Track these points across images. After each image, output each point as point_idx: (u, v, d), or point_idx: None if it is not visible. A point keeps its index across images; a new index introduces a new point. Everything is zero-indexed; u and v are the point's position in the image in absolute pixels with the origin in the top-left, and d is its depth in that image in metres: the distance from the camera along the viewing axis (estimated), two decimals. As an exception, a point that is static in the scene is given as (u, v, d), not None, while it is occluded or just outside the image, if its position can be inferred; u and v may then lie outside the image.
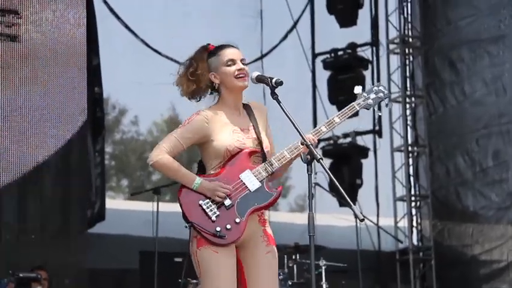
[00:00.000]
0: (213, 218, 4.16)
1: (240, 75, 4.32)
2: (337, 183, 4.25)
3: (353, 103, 4.49)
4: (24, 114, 9.09)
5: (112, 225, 10.17)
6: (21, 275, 7.76)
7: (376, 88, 4.57)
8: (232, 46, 4.41)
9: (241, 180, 4.23)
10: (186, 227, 4.19)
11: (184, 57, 4.53)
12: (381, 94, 4.55)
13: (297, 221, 10.72)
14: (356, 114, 4.34)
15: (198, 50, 4.43)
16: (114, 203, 12.88)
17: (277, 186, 4.32)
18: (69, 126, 9.33)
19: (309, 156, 4.13)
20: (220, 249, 4.14)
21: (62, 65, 9.35)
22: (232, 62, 4.33)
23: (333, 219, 11.14)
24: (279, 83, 4.25)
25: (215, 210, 4.17)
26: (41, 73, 9.25)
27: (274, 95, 4.26)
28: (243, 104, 4.44)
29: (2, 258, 8.63)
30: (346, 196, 4.11)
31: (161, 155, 4.25)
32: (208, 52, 4.40)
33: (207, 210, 4.17)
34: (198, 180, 4.20)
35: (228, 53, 4.35)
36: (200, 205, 4.17)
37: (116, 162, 15.93)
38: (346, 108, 4.44)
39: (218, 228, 4.13)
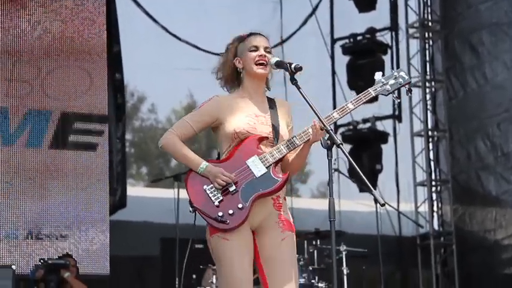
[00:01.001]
0: (216, 203, 4.15)
1: (260, 62, 4.32)
2: (357, 168, 4.24)
3: (369, 89, 4.41)
4: (43, 101, 9.17)
5: (133, 212, 10.22)
6: (50, 261, 7.86)
7: (396, 74, 4.47)
8: (261, 34, 4.42)
9: (248, 166, 4.21)
10: (190, 211, 4.20)
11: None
12: (401, 80, 4.45)
13: (318, 207, 10.71)
14: (376, 99, 4.31)
15: (233, 39, 4.46)
16: (134, 190, 12.93)
17: (284, 172, 4.29)
18: (91, 113, 9.39)
19: (329, 142, 4.11)
20: (232, 236, 4.13)
21: (82, 53, 9.40)
22: (256, 48, 4.35)
23: (355, 205, 11.13)
24: (298, 69, 4.24)
25: (219, 195, 4.17)
26: (62, 61, 9.31)
27: (293, 80, 4.25)
28: (268, 98, 4.43)
29: (28, 246, 8.74)
30: (366, 181, 4.10)
31: (170, 137, 4.28)
32: (240, 40, 4.42)
33: (211, 195, 4.16)
34: (203, 164, 4.20)
35: (253, 40, 4.37)
36: (204, 190, 4.18)
37: (135, 150, 15.99)
38: (361, 94, 4.39)
39: (220, 213, 4.13)
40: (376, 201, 4.14)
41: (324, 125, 4.14)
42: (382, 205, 4.17)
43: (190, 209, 4.18)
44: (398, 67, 4.50)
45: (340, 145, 4.09)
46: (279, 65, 4.32)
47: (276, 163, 4.25)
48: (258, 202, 4.20)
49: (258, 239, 4.24)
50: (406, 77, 4.51)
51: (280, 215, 4.29)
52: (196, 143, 11.70)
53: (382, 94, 4.47)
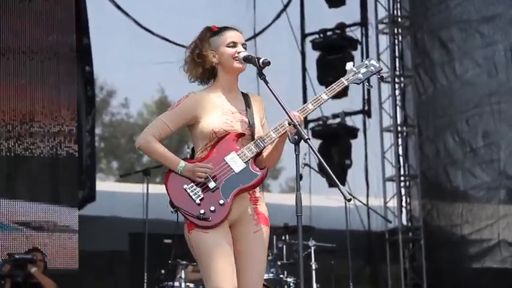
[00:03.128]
0: (197, 201, 4.15)
1: (238, 58, 4.31)
2: (324, 163, 4.25)
3: (341, 78, 4.43)
4: (15, 92, 9.09)
5: (102, 207, 10.19)
6: (16, 256, 7.80)
7: (367, 62, 4.51)
8: (236, 29, 4.40)
9: (226, 162, 4.22)
10: (172, 212, 4.20)
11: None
12: (372, 68, 4.48)
13: (288, 202, 10.70)
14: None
15: (201, 31, 4.41)
16: (104, 185, 12.88)
17: (263, 166, 4.30)
18: (61, 105, 9.32)
19: (296, 137, 4.12)
20: (213, 230, 4.14)
21: (52, 44, 9.33)
22: (234, 44, 4.32)
23: (326, 200, 11.16)
24: (266, 63, 4.23)
25: (199, 193, 4.17)
26: (30, 51, 9.24)
27: (261, 75, 4.24)
28: (242, 93, 4.43)
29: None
30: (333, 176, 4.12)
31: (146, 138, 4.26)
32: (211, 32, 4.39)
33: (191, 194, 4.16)
34: (182, 163, 4.20)
35: (231, 35, 4.35)
36: (185, 189, 4.18)
37: (105, 144, 15.92)
38: (334, 84, 4.41)
39: (202, 211, 4.13)
40: (344, 196, 4.16)
41: (291, 119, 4.14)
42: (349, 200, 4.19)
43: (172, 209, 4.18)
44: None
45: (308, 140, 4.10)
46: (247, 59, 4.31)
47: (255, 158, 4.26)
48: (237, 197, 4.21)
49: (232, 231, 4.25)
50: (377, 65, 4.53)
51: (256, 208, 4.31)
52: (166, 137, 11.66)
53: (355, 83, 4.49)
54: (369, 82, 4.61)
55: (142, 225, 8.08)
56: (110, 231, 9.78)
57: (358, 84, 4.51)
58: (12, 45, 9.15)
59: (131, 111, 16.21)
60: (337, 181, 4.09)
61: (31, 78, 9.26)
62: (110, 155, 16.50)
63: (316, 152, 4.26)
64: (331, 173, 4.16)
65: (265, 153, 4.32)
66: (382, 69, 4.57)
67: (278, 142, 4.29)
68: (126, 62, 10.82)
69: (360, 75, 4.45)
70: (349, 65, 4.49)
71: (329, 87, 4.40)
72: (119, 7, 10.51)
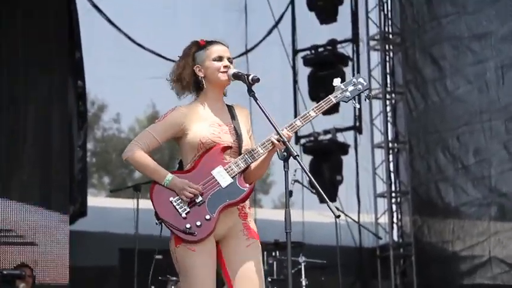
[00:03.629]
0: (183, 214, 4.15)
1: (225, 72, 4.33)
2: (312, 179, 4.27)
3: (330, 96, 4.44)
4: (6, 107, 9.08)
5: (94, 222, 10.16)
6: (5, 272, 7.76)
7: (355, 80, 4.51)
8: (222, 44, 4.42)
9: (213, 177, 4.22)
10: (156, 223, 4.19)
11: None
12: (360, 86, 4.48)
13: (280, 218, 10.68)
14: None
15: (188, 45, 4.45)
16: (96, 200, 12.86)
17: (249, 182, 4.31)
18: (52, 120, 9.32)
19: (285, 153, 4.13)
20: (198, 246, 4.13)
21: (43, 59, 9.34)
22: (220, 58, 4.35)
23: (318, 216, 11.16)
24: (256, 80, 4.24)
25: (185, 207, 4.16)
26: (22, 66, 9.24)
27: (250, 92, 4.25)
28: (227, 105, 4.44)
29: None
30: (322, 192, 4.13)
31: (134, 150, 4.26)
32: (198, 46, 4.41)
33: (177, 207, 4.16)
34: (169, 176, 4.20)
35: (217, 49, 4.37)
36: (171, 202, 4.18)
37: (97, 160, 15.92)
38: (322, 101, 4.42)
39: (188, 225, 4.12)
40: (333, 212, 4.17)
41: (280, 136, 4.16)
42: (338, 217, 4.19)
43: (157, 221, 4.17)
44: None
45: (297, 157, 4.11)
46: (237, 76, 4.33)
47: (241, 173, 4.27)
48: (224, 212, 4.21)
49: (223, 248, 4.25)
50: (365, 83, 4.53)
51: (245, 223, 4.31)
52: (158, 152, 11.67)
53: (343, 101, 4.49)
54: (357, 100, 4.61)
55: (133, 240, 8.06)
56: (100, 247, 9.76)
57: (346, 102, 4.50)
58: (5, 57, 9.17)
59: (123, 126, 16.22)
60: (325, 198, 4.10)
61: (24, 91, 9.28)
62: (102, 170, 16.50)
63: (305, 169, 4.27)
64: (320, 189, 4.18)
65: (252, 166, 4.32)
66: (369, 88, 4.59)
67: (266, 158, 4.30)
68: (118, 77, 10.82)
69: (348, 93, 4.46)
70: (336, 81, 4.49)
71: (317, 104, 4.41)
72: (111, 22, 10.53)
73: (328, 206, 4.10)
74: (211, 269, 4.17)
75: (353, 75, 4.62)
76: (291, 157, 4.13)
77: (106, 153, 16.69)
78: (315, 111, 4.38)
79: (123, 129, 16.39)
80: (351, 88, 4.47)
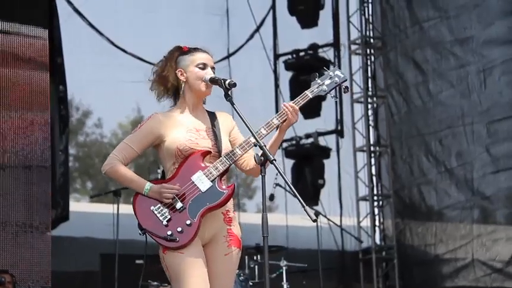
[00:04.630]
0: (164, 222, 4.15)
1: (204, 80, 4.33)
2: (289, 183, 4.28)
3: (306, 91, 4.38)
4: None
5: (75, 227, 10.13)
6: (-17, 279, 7.71)
7: (331, 73, 4.43)
8: (207, 52, 4.42)
9: (193, 182, 4.22)
10: (140, 234, 4.20)
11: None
12: (337, 79, 4.41)
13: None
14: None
15: (171, 50, 4.44)
16: (78, 205, 12.83)
17: (229, 185, 4.31)
18: (33, 125, 9.27)
19: (262, 158, 4.13)
20: (185, 250, 4.14)
21: (24, 63, 9.29)
22: (204, 66, 4.34)
23: (302, 220, 11.16)
24: (232, 85, 4.24)
25: (166, 214, 4.17)
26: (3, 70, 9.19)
27: (227, 96, 4.25)
28: (208, 111, 4.44)
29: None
30: (298, 196, 4.13)
31: (112, 163, 4.26)
32: (181, 51, 4.40)
33: (158, 215, 4.16)
34: (148, 185, 4.21)
35: (202, 57, 4.36)
36: (152, 211, 4.18)
37: (80, 164, 15.87)
38: (298, 97, 4.38)
39: (169, 232, 4.13)
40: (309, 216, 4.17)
41: (257, 141, 4.16)
42: (314, 221, 4.18)
43: (140, 231, 4.18)
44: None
45: (273, 161, 4.11)
46: (213, 81, 4.32)
47: (221, 176, 4.26)
48: (209, 217, 4.21)
49: (205, 250, 4.25)
50: (342, 75, 4.45)
51: (229, 229, 4.32)
52: (143, 156, 11.65)
53: (320, 95, 4.43)
54: (339, 93, 4.55)
55: (114, 245, 8.05)
56: (82, 252, 9.74)
57: (323, 95, 4.44)
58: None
59: (105, 131, 16.16)
60: (302, 201, 4.10)
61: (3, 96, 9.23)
62: (84, 175, 16.44)
63: (282, 173, 4.26)
64: (297, 194, 4.18)
65: (245, 161, 4.33)
66: (346, 79, 4.52)
67: (278, 136, 4.34)
68: (101, 82, 10.80)
69: (325, 87, 4.40)
70: (313, 76, 4.47)
71: (294, 100, 4.38)
72: (92, 26, 10.51)
73: (305, 210, 4.10)
74: (202, 269, 4.17)
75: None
76: (268, 162, 4.12)
77: (89, 158, 16.64)
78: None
79: (106, 134, 16.34)
80: (327, 82, 4.40)
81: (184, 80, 4.35)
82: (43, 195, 9.16)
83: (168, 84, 4.37)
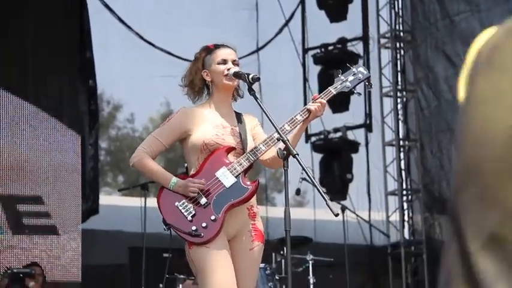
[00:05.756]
0: (189, 217, 4.19)
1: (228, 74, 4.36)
2: (312, 179, 4.31)
3: (329, 87, 4.43)
4: (18, 108, 9.10)
5: (106, 220, 10.21)
6: (15, 270, 7.80)
7: (354, 70, 4.49)
8: (228, 47, 4.47)
9: (217, 178, 4.25)
10: (164, 229, 4.23)
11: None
12: (360, 75, 4.47)
13: (293, 216, 10.70)
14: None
15: (199, 50, 4.51)
16: (109, 199, 12.91)
17: (253, 180, 4.33)
18: (63, 119, 9.36)
19: (285, 152, 4.15)
20: (211, 245, 4.18)
21: (54, 58, 9.38)
22: (224, 61, 4.39)
23: (330, 214, 11.13)
24: (256, 79, 4.28)
25: (191, 210, 4.20)
26: (33, 66, 9.28)
27: (251, 90, 4.29)
28: (235, 112, 4.47)
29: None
30: (321, 191, 4.15)
31: (139, 156, 4.30)
32: (207, 50, 4.45)
33: (183, 211, 4.20)
34: (174, 179, 4.25)
35: (222, 53, 4.41)
36: (176, 206, 4.20)
37: (111, 158, 15.97)
38: (322, 93, 4.41)
39: (194, 228, 4.16)
40: (332, 211, 4.18)
41: (281, 135, 4.17)
42: (336, 215, 4.21)
43: (165, 227, 4.22)
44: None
45: (296, 155, 4.13)
46: (237, 75, 4.36)
47: (245, 172, 4.28)
48: (233, 212, 4.25)
49: (230, 247, 4.30)
50: (365, 72, 4.52)
51: (253, 224, 4.36)
52: (172, 151, 11.70)
53: (343, 91, 4.46)
54: (367, 89, 4.56)
55: (142, 239, 8.11)
56: (112, 245, 9.81)
57: (347, 92, 4.48)
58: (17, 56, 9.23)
59: (136, 126, 16.23)
60: (324, 196, 4.12)
61: (35, 90, 9.34)
62: (116, 168, 16.54)
63: (305, 168, 4.29)
64: (319, 187, 4.21)
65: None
66: (370, 76, 4.55)
67: (300, 128, 4.35)
68: (131, 77, 10.85)
69: (348, 83, 4.44)
70: (336, 73, 4.49)
71: (318, 95, 4.39)
72: (122, 21, 10.56)
73: (327, 205, 4.12)
74: (228, 263, 4.21)
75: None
76: (291, 156, 4.14)
77: (120, 152, 16.73)
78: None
79: (137, 128, 16.42)
80: (350, 78, 4.45)
81: (210, 79, 4.40)
82: (73, 190, 9.27)
83: (200, 86, 4.42)
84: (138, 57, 10.67)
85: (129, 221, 9.70)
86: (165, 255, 7.45)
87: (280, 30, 11.59)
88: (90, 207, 9.80)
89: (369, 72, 4.61)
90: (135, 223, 8.83)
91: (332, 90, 4.42)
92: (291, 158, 4.15)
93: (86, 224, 9.64)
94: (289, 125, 4.30)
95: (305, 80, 11.62)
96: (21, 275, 7.67)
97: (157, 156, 4.38)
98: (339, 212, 4.24)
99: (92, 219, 9.86)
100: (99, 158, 11.02)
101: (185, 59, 9.80)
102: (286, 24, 11.58)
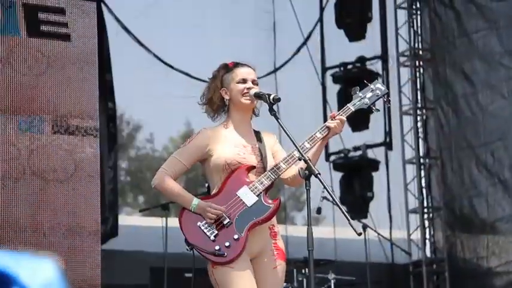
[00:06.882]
0: (212, 237, 4.19)
1: (247, 93, 4.38)
2: (334, 198, 4.30)
3: (348, 104, 4.44)
4: (36, 125, 9.12)
5: (126, 241, 10.22)
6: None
7: (372, 86, 4.50)
8: (248, 66, 4.48)
9: (239, 197, 4.26)
10: (187, 249, 4.23)
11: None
12: (378, 92, 4.47)
13: (313, 235, 10.67)
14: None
15: (217, 68, 4.52)
16: (130, 219, 12.94)
17: (275, 198, 4.34)
18: (82, 141, 9.38)
19: (307, 172, 4.15)
20: (234, 264, 4.18)
21: (74, 80, 9.41)
22: (243, 81, 4.40)
23: (351, 233, 11.11)
24: (277, 100, 4.29)
25: (214, 230, 4.21)
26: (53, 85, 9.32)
27: (272, 111, 4.30)
28: (254, 130, 4.49)
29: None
30: (343, 210, 4.15)
31: (161, 178, 4.32)
32: (226, 69, 4.46)
33: (206, 231, 4.21)
34: (195, 201, 4.25)
35: (242, 72, 4.42)
36: (199, 226, 4.22)
37: (131, 179, 16.03)
38: (341, 110, 4.43)
39: (217, 247, 4.17)
40: (354, 230, 4.18)
41: (302, 154, 4.18)
42: (359, 234, 4.21)
43: (187, 247, 4.22)
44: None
45: (318, 175, 4.13)
46: (258, 96, 4.37)
47: (266, 190, 4.29)
48: (256, 231, 4.25)
49: (253, 266, 4.29)
50: (383, 88, 4.52)
51: (275, 243, 4.37)
52: (193, 171, 11.73)
53: (362, 108, 4.47)
54: (385, 106, 4.56)
55: (163, 259, 8.12)
56: (132, 265, 9.81)
57: (366, 109, 4.48)
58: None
59: (156, 146, 16.31)
60: (346, 215, 4.12)
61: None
62: (136, 189, 16.60)
63: (327, 187, 4.29)
64: (341, 207, 4.20)
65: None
66: (388, 92, 4.55)
67: (320, 146, 4.36)
68: (150, 97, 10.90)
69: (366, 100, 4.45)
70: (354, 90, 4.50)
71: (337, 113, 4.41)
72: (140, 43, 10.62)
73: (350, 224, 4.12)
74: (252, 283, 4.21)
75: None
76: (313, 175, 4.14)
77: (140, 172, 16.79)
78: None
79: (157, 148, 16.50)
80: (369, 95, 4.46)
81: (228, 98, 4.41)
82: (93, 206, 9.29)
83: (218, 104, 4.43)
84: (157, 78, 10.73)
85: (150, 241, 9.71)
86: (187, 275, 7.46)
87: (298, 49, 11.61)
88: (110, 231, 9.80)
89: (387, 88, 4.60)
90: (155, 243, 8.84)
91: (351, 107, 4.43)
92: (312, 177, 4.15)
93: (107, 244, 9.64)
94: (309, 143, 4.31)
95: (324, 99, 11.63)
96: None
97: (178, 177, 4.39)
98: (361, 231, 4.21)
99: (113, 239, 9.87)
100: (119, 179, 11.05)
101: (202, 80, 9.87)
102: (304, 43, 11.60)
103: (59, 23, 9.09)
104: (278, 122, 4.27)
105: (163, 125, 12.85)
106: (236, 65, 4.47)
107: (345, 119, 4.36)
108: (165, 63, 10.70)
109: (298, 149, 4.19)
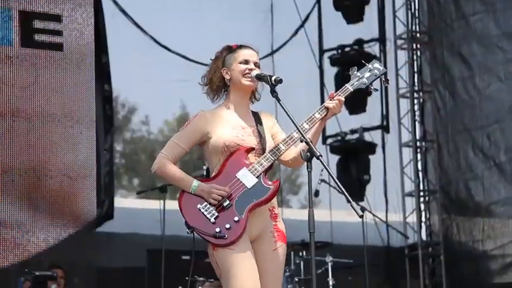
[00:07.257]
0: (212, 220, 4.18)
1: (248, 74, 4.36)
2: (336, 180, 4.28)
3: (346, 85, 4.42)
4: (33, 112, 9.12)
5: (122, 224, 10.21)
6: (37, 273, 7.80)
7: (370, 66, 4.47)
8: (251, 48, 4.46)
9: (238, 179, 4.24)
10: (188, 232, 4.22)
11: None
12: (376, 71, 4.45)
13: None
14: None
15: (220, 49, 4.49)
16: (125, 201, 12.92)
17: (274, 180, 4.32)
18: (79, 125, 9.37)
19: (308, 154, 4.13)
20: (235, 246, 4.17)
21: (70, 64, 9.39)
22: (246, 62, 4.39)
23: (347, 216, 11.14)
24: (278, 81, 4.26)
25: (214, 212, 4.19)
26: (50, 72, 9.29)
27: (273, 92, 4.28)
28: (252, 112, 4.47)
29: (16, 256, 8.68)
30: (345, 192, 4.13)
31: (161, 162, 4.30)
32: (229, 50, 4.45)
33: (206, 213, 4.19)
34: (195, 183, 4.24)
35: (244, 53, 4.41)
36: (199, 209, 4.20)
37: (126, 161, 15.99)
38: (339, 90, 4.41)
39: (218, 229, 4.15)
40: (356, 212, 4.16)
41: (303, 136, 4.15)
42: (361, 217, 4.18)
43: (188, 230, 4.20)
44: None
45: (320, 157, 4.11)
46: (259, 77, 4.35)
47: (266, 171, 4.28)
48: (256, 213, 4.24)
49: (253, 248, 4.28)
50: (381, 68, 4.49)
51: (275, 225, 4.35)
52: (188, 153, 11.68)
53: (360, 88, 4.44)
54: (383, 88, 4.55)
55: (160, 241, 8.11)
56: (129, 248, 9.81)
57: (364, 88, 4.45)
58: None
59: (151, 128, 16.26)
60: (349, 197, 4.10)
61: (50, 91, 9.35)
62: (131, 171, 16.56)
63: (329, 169, 4.27)
64: (343, 189, 4.17)
65: (287, 156, 4.33)
66: (386, 72, 4.53)
67: (319, 126, 4.34)
68: (146, 80, 10.87)
69: (365, 80, 4.43)
70: (352, 70, 4.48)
71: (335, 94, 4.38)
72: (138, 25, 10.57)
73: (352, 206, 4.10)
74: (252, 264, 4.20)
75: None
76: (314, 157, 4.12)
77: (135, 154, 16.76)
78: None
79: (152, 130, 16.46)
80: (367, 74, 4.44)
81: (229, 78, 4.39)
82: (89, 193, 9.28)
83: (218, 84, 4.42)
84: (153, 61, 10.70)
85: (146, 224, 9.71)
86: (185, 257, 7.45)
87: (296, 32, 11.58)
88: (105, 213, 9.78)
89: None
90: (152, 226, 8.84)
91: (349, 87, 4.41)
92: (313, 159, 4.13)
93: (103, 227, 9.64)
94: (307, 124, 4.29)
95: (322, 81, 11.61)
96: (43, 278, 7.68)
97: (178, 161, 4.37)
98: (362, 213, 4.19)
99: (109, 222, 9.86)
100: (114, 161, 11.01)
101: (199, 63, 9.84)
102: (301, 25, 11.56)
103: (53, 31, 9.13)
104: (280, 103, 4.25)
105: (159, 107, 12.81)
106: (240, 46, 4.46)
107: (344, 99, 4.34)
108: (162, 45, 10.65)
109: (300, 131, 4.17)
